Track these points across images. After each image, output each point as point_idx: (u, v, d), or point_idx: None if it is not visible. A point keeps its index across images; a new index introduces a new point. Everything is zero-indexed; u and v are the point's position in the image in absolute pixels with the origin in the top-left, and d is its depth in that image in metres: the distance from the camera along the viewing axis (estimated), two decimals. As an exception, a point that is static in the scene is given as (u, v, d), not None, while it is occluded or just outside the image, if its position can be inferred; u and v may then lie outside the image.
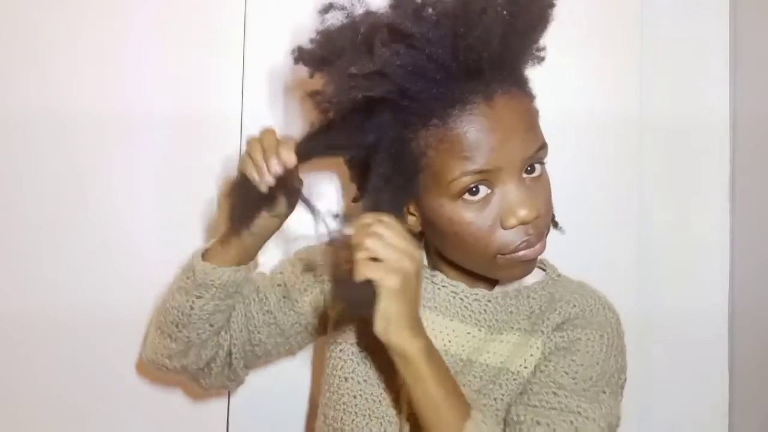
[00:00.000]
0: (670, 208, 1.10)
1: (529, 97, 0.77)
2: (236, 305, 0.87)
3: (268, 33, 1.06)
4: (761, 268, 1.04)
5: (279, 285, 0.89)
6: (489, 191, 0.73)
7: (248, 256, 0.83)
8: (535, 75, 0.79)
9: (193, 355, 0.85)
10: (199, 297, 0.81)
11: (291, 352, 0.92)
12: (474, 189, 0.73)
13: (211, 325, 0.84)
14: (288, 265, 0.91)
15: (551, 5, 0.75)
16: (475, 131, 0.71)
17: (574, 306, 0.81)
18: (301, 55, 0.78)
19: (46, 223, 1.05)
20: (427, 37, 0.69)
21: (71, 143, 1.05)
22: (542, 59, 0.79)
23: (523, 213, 0.72)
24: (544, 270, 0.87)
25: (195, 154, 1.06)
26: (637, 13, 1.08)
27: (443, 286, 0.82)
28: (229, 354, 0.87)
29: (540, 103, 0.78)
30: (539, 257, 0.78)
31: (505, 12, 0.70)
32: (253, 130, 1.05)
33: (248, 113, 1.06)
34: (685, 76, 1.10)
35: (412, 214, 0.80)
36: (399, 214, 0.75)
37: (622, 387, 0.79)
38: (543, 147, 0.75)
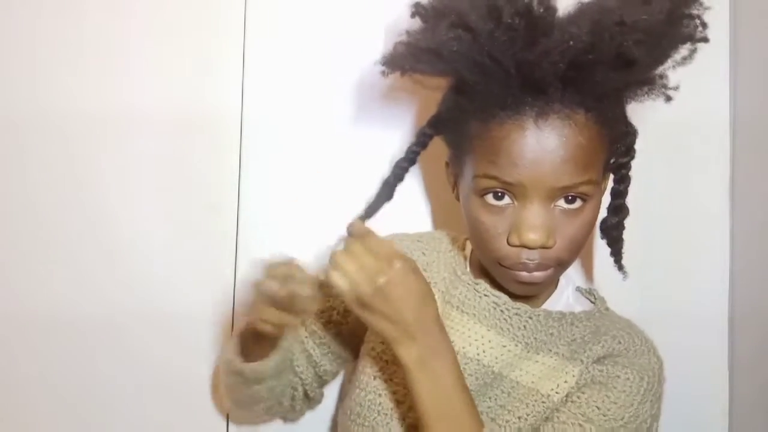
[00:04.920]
0: (669, 207, 1.10)
1: (599, 123, 0.72)
2: (293, 349, 0.89)
3: (268, 33, 1.06)
4: (761, 268, 1.04)
5: (323, 311, 0.90)
6: (511, 202, 0.73)
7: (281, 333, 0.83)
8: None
9: (276, 406, 0.89)
10: (259, 384, 0.84)
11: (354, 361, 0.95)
12: (499, 194, 0.72)
13: (281, 383, 0.87)
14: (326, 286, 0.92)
15: (646, 60, 0.70)
16: (510, 142, 0.70)
17: (620, 343, 0.79)
18: (417, 9, 0.75)
19: (44, 224, 1.05)
20: (493, 36, 0.67)
21: (69, 143, 1.06)
22: (669, 97, 0.76)
23: (529, 236, 0.71)
24: (593, 302, 0.86)
25: (194, 154, 1.06)
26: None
27: (485, 295, 0.81)
28: (304, 389, 0.91)
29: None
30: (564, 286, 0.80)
31: (572, 42, 0.66)
32: (254, 129, 1.06)
33: (248, 113, 1.06)
34: (685, 76, 1.10)
35: (456, 188, 0.82)
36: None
37: None
38: (587, 183, 0.72)
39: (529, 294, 0.80)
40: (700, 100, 1.10)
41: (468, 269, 0.86)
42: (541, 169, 0.70)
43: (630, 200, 1.08)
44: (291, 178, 1.06)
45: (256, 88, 1.06)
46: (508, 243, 0.73)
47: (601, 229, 0.84)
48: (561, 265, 0.75)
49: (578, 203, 0.73)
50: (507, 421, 0.76)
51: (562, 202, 0.72)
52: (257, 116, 1.06)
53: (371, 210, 0.80)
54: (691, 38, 0.72)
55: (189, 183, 1.06)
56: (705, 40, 0.73)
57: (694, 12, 0.72)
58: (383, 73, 0.76)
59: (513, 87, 0.70)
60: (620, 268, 0.86)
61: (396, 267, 0.70)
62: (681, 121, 1.10)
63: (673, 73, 1.10)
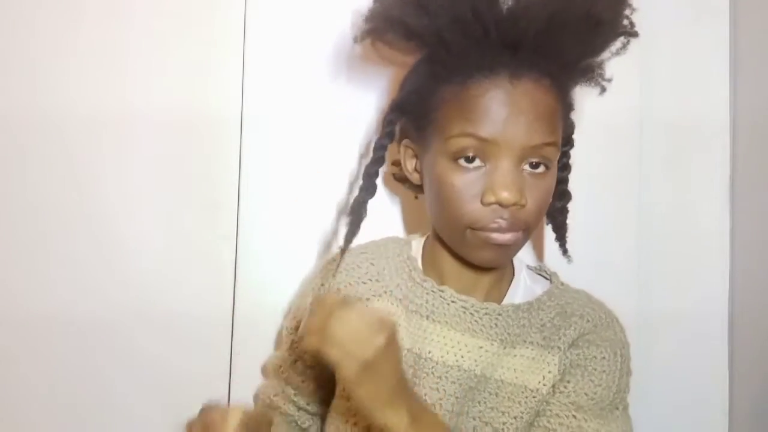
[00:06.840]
0: (670, 208, 1.10)
1: (560, 94, 0.77)
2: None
3: (268, 33, 1.06)
4: (761, 268, 1.04)
5: (295, 361, 0.90)
6: (482, 164, 0.74)
7: None
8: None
9: None
10: None
11: None
12: (470, 157, 0.74)
13: None
14: (287, 337, 0.92)
15: (610, 25, 0.75)
16: (487, 99, 0.73)
17: (588, 321, 0.81)
18: None
19: (43, 224, 1.05)
20: None
21: (69, 143, 1.05)
22: (603, 88, 0.81)
23: (503, 194, 0.73)
24: (548, 279, 0.87)
25: (194, 154, 1.06)
26: (637, 13, 1.08)
27: (452, 302, 0.81)
28: None
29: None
30: (529, 261, 0.79)
31: None
32: (254, 130, 1.06)
33: (248, 113, 1.06)
34: (685, 76, 1.10)
35: (417, 171, 0.82)
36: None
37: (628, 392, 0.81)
38: (552, 145, 0.75)
39: (496, 264, 0.80)
40: (700, 100, 1.10)
41: (421, 267, 0.85)
42: (515, 126, 0.73)
43: (629, 200, 1.09)
44: (291, 178, 1.06)
45: (256, 88, 1.06)
46: (482, 202, 0.74)
47: (547, 214, 0.85)
48: (527, 230, 0.77)
49: (542, 168, 0.75)
50: (504, 423, 0.76)
51: (527, 167, 0.75)
52: (257, 116, 1.06)
53: (350, 237, 0.81)
54: (625, 32, 0.78)
55: (189, 183, 1.06)
56: (635, 35, 0.78)
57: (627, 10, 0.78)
58: (355, 39, 0.78)
59: (490, 47, 0.73)
60: (565, 252, 0.90)
61: (389, 325, 0.66)
62: (681, 121, 1.10)
63: (674, 73, 1.11)
